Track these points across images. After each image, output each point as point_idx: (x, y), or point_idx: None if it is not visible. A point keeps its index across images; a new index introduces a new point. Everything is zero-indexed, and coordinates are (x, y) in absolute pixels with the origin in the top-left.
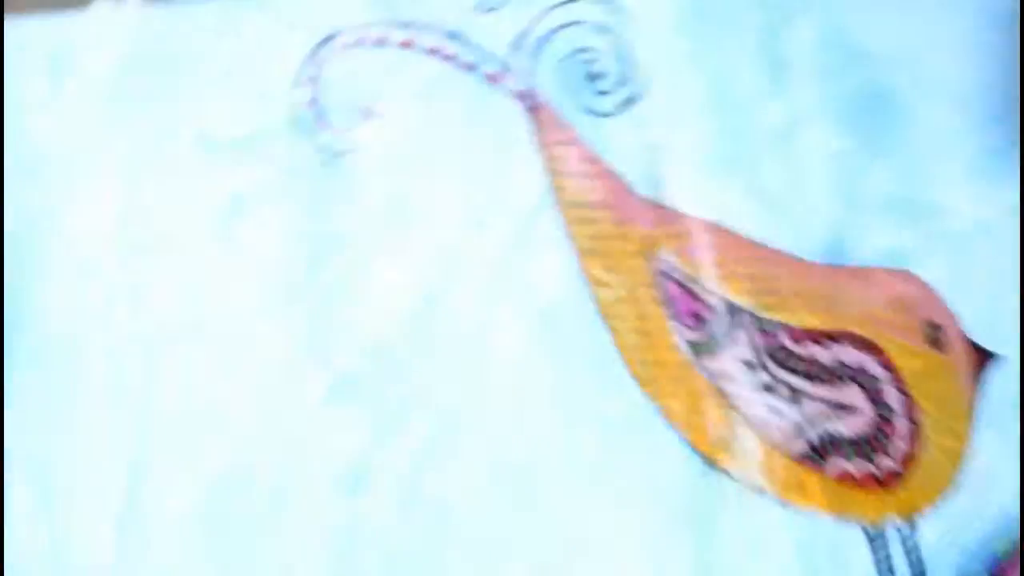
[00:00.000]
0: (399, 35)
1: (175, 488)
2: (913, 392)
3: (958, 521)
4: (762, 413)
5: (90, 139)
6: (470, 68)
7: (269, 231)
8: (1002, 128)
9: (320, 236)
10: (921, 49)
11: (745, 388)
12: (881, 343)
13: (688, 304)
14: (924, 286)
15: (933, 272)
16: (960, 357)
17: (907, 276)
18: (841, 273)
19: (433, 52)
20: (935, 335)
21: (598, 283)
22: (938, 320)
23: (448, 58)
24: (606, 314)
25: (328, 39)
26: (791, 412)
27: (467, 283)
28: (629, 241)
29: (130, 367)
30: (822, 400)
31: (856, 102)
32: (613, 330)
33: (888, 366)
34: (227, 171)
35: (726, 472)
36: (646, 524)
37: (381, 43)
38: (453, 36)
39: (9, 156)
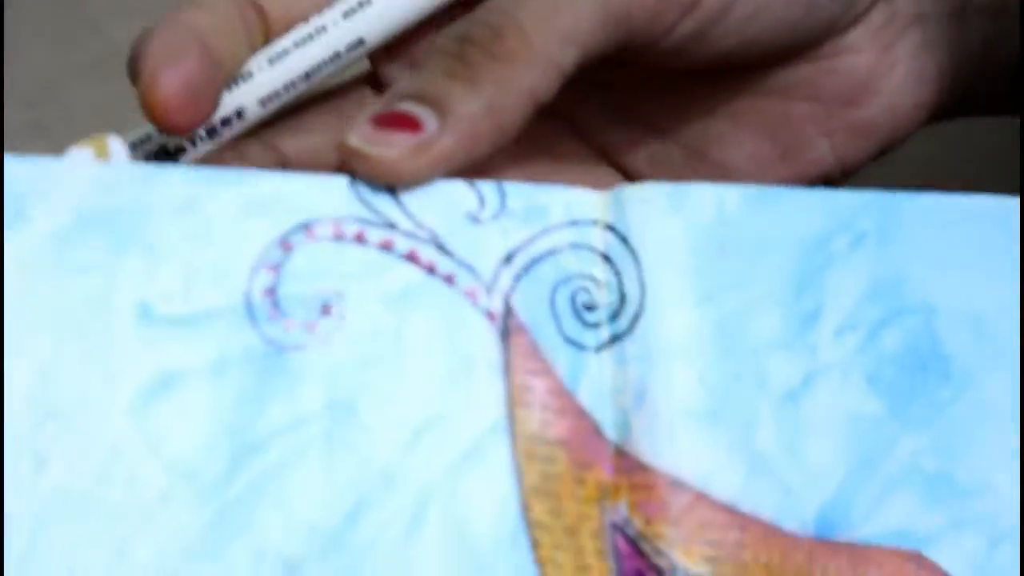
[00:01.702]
0: (378, 235)
1: None
2: None
3: None
4: None
5: (24, 290)
6: (448, 280)
7: (193, 417)
8: None
9: (246, 433)
10: (989, 309)
11: None
12: None
13: (635, 564)
14: (937, 573)
15: (955, 560)
16: None
17: (917, 558)
18: (827, 549)
19: (410, 258)
20: None
21: (539, 526)
22: None
23: (426, 267)
24: (541, 559)
25: (301, 227)
26: None
27: (396, 507)
28: (585, 487)
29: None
30: None
31: (898, 362)
32: None
33: None
34: (162, 347)
35: None
36: None
37: (358, 241)
38: (436, 244)
39: None
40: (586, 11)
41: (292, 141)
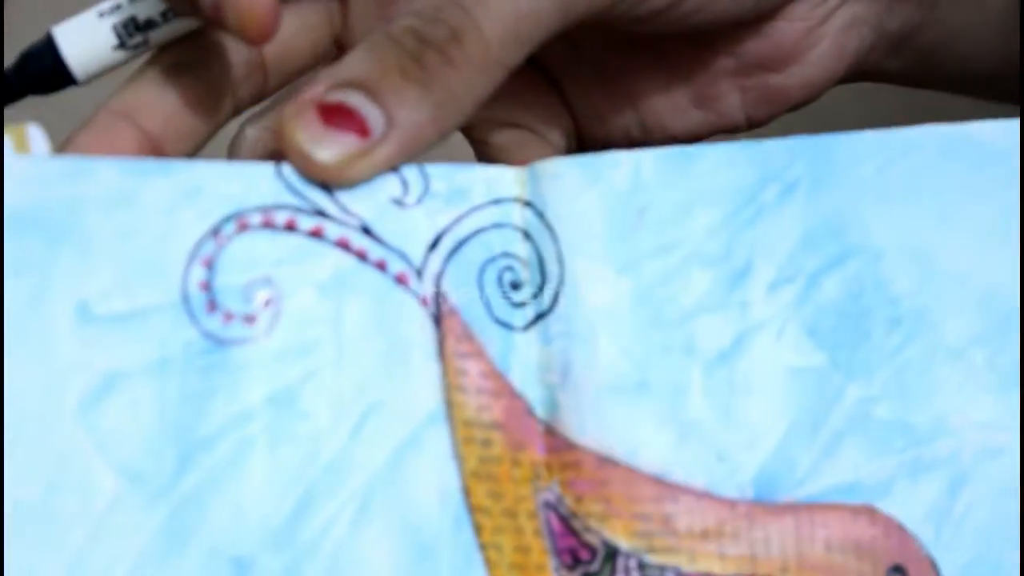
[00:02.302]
0: (309, 223)
1: None
2: None
3: None
4: None
5: None
6: (379, 266)
7: (139, 417)
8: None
9: (192, 432)
10: (932, 244)
11: None
12: None
13: (567, 541)
14: (891, 525)
15: (913, 508)
16: None
17: (868, 513)
18: (768, 511)
19: (342, 245)
20: None
21: (480, 510)
22: (907, 566)
23: (357, 254)
24: (483, 544)
25: (232, 217)
26: None
27: (342, 498)
28: (521, 467)
29: None
30: None
31: (840, 310)
32: (489, 562)
33: None
34: (103, 348)
35: None
36: None
37: (289, 229)
38: (366, 231)
39: None
40: (547, 13)
41: None
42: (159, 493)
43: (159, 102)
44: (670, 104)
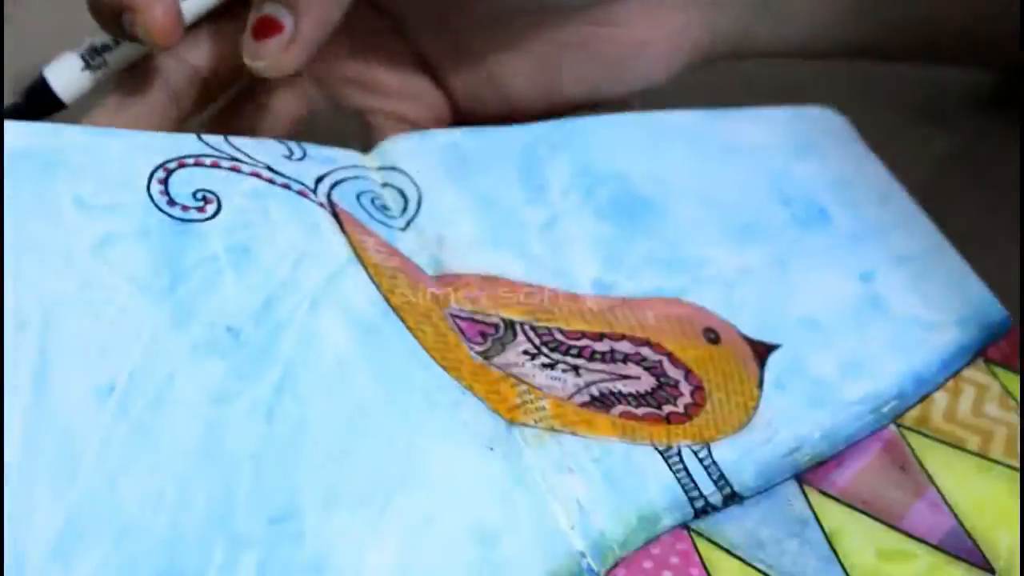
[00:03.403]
0: (228, 163)
1: None
2: (694, 368)
3: (752, 445)
4: (547, 382)
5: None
6: (285, 187)
7: (136, 255)
8: (744, 215)
9: (176, 265)
10: (668, 170)
11: (529, 368)
12: (658, 340)
13: (475, 328)
14: (696, 307)
15: (703, 303)
16: (738, 348)
17: (678, 302)
18: (610, 300)
19: (255, 175)
20: (713, 336)
21: (402, 308)
22: (715, 328)
23: (267, 180)
24: (412, 328)
25: (173, 160)
26: (572, 379)
27: (298, 298)
28: (421, 295)
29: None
30: (600, 372)
31: (614, 203)
32: (421, 339)
33: (665, 352)
34: (99, 220)
35: (524, 424)
36: (465, 458)
37: (215, 167)
38: (269, 168)
39: None
40: None
41: (197, 52)
42: (161, 296)
43: (115, 121)
44: (530, 90)
